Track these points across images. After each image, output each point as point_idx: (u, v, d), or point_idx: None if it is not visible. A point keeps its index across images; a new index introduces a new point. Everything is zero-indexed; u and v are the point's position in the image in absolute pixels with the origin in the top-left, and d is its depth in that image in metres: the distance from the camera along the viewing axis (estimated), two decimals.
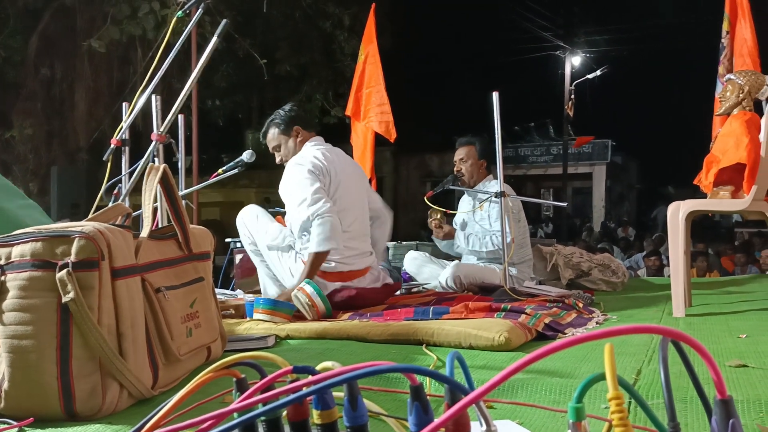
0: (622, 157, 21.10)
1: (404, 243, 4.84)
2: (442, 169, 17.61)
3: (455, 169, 3.66)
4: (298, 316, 2.42)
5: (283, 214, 3.01)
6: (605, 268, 3.76)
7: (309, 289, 2.44)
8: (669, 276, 2.93)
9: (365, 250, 2.88)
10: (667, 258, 6.27)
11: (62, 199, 7.48)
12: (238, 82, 11.34)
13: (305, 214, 2.60)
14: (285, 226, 2.89)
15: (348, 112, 5.20)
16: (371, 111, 4.96)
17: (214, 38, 2.43)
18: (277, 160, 2.99)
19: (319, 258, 2.60)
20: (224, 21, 2.44)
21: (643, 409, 0.63)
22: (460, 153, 3.66)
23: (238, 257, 3.73)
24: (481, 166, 3.61)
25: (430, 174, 19.07)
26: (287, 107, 2.99)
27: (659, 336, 0.59)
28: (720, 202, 2.69)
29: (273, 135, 2.97)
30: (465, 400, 0.59)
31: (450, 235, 3.59)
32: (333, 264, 2.72)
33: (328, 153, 2.85)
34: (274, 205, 4.15)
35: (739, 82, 2.72)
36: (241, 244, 3.71)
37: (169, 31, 2.78)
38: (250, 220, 2.90)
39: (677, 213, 2.63)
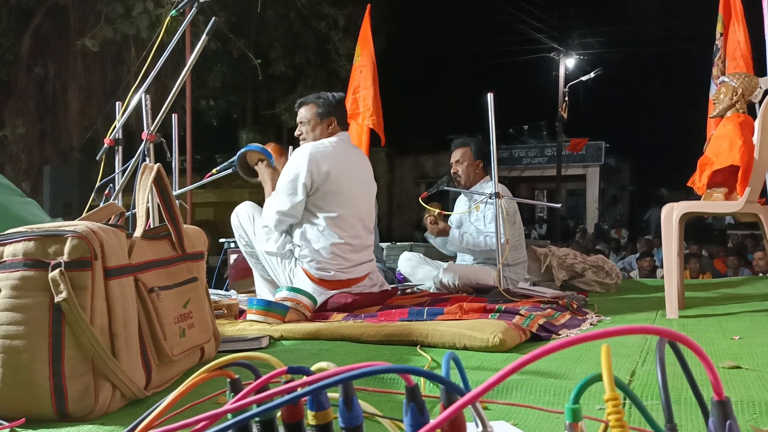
0: (615, 159, 21.19)
1: (399, 244, 4.84)
2: (437, 170, 17.64)
3: (451, 170, 3.66)
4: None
5: None
6: (599, 269, 3.77)
7: (283, 294, 2.45)
8: (662, 277, 2.94)
9: (366, 261, 2.83)
10: (660, 260, 6.28)
11: (55, 198, 7.43)
12: (232, 82, 11.31)
13: (272, 206, 2.72)
14: None
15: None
16: (367, 112, 4.98)
17: (204, 36, 2.42)
18: (297, 132, 2.92)
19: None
20: (213, 19, 2.43)
21: (640, 410, 0.63)
22: (456, 155, 3.66)
23: (232, 257, 3.72)
24: (477, 167, 3.62)
25: (424, 175, 19.09)
26: (338, 96, 2.90)
27: (653, 337, 0.59)
28: (713, 204, 2.69)
29: (309, 111, 2.87)
30: (461, 400, 0.58)
31: (444, 232, 3.59)
32: (332, 273, 2.69)
33: (342, 155, 2.76)
34: None
35: (733, 84, 2.73)
36: (236, 244, 3.70)
37: (163, 31, 2.78)
38: (246, 221, 2.86)
39: (671, 215, 2.64)
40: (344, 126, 2.92)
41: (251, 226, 2.84)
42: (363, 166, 2.92)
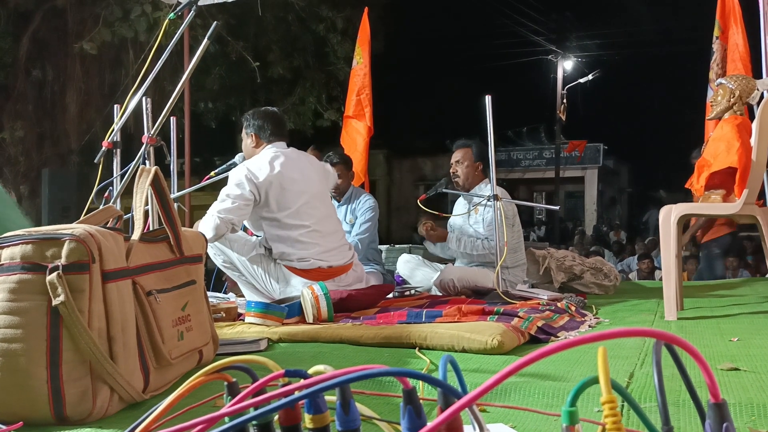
0: (613, 161, 21.20)
1: (397, 246, 4.84)
2: (435, 172, 17.63)
3: (451, 171, 3.67)
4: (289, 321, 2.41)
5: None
6: (597, 271, 3.77)
7: (318, 290, 2.45)
8: (660, 279, 2.94)
9: (340, 246, 2.92)
10: (659, 261, 6.28)
11: (53, 201, 7.43)
12: (230, 85, 11.30)
13: (213, 208, 2.73)
14: (250, 234, 2.98)
15: (349, 113, 5.21)
16: (369, 113, 5.03)
17: (205, 40, 2.43)
18: None
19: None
20: (215, 23, 2.45)
21: (637, 413, 0.63)
22: (456, 155, 3.66)
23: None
24: (476, 169, 3.62)
25: (423, 177, 19.09)
26: (254, 114, 3.07)
27: (652, 339, 0.59)
28: (711, 205, 2.70)
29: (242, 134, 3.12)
30: (458, 403, 0.58)
31: (442, 238, 3.59)
32: (311, 261, 2.78)
33: (283, 158, 2.87)
34: None
35: (730, 86, 2.73)
36: None
37: (161, 34, 2.78)
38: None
39: (669, 217, 2.64)
40: (274, 138, 2.98)
41: (226, 240, 2.87)
42: (301, 158, 3.00)
